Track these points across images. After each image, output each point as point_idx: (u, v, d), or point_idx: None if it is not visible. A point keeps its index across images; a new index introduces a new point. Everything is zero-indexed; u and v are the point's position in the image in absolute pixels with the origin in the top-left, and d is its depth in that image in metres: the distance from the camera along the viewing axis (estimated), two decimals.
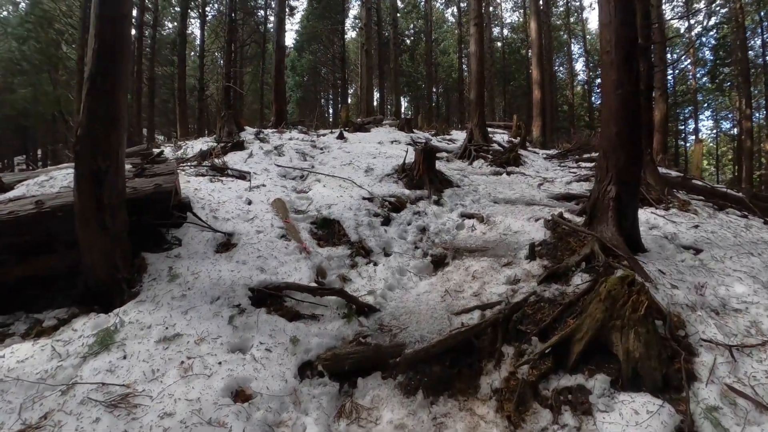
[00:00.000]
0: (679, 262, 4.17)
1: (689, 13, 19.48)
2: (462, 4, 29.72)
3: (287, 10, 22.71)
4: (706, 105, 29.88)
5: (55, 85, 21.21)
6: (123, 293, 3.63)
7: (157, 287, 3.67)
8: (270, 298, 3.74)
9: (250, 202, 5.33)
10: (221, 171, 6.68)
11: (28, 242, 3.68)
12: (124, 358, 2.92)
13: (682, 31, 26.24)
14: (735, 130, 28.33)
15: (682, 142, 32.33)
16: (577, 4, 33.09)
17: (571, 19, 33.50)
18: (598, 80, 34.85)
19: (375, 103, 28.87)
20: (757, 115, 25.22)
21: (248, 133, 9.83)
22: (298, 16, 31.90)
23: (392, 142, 10.36)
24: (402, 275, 4.67)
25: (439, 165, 8.42)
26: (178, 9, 23.46)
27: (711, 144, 32.52)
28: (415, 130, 14.02)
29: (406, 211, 5.91)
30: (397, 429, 2.68)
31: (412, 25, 34.88)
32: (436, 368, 3.07)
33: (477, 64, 11.40)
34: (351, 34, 33.53)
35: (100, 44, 3.60)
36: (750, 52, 24.38)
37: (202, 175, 6.47)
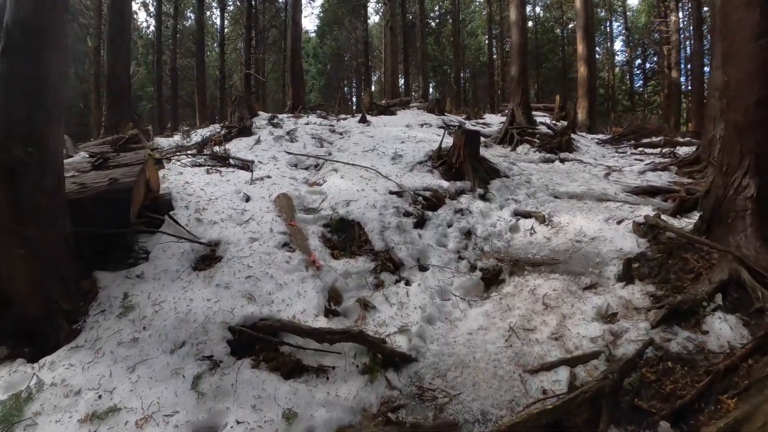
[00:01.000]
0: None
1: None
2: None
3: None
4: None
5: (81, 80, 20.94)
6: (59, 331, 2.60)
7: (102, 325, 2.62)
8: (258, 341, 2.62)
9: (248, 199, 4.22)
10: (222, 160, 5.62)
11: None
12: None
13: None
14: None
15: None
16: None
17: None
18: (638, 61, 31.94)
19: (400, 87, 27.41)
20: None
21: (261, 119, 8.75)
22: (319, 0, 30.60)
23: (422, 125, 9.03)
24: (444, 299, 3.46)
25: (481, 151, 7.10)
26: None
27: None
28: (446, 113, 12.61)
29: (444, 208, 4.65)
30: None
31: (437, 6, 32.89)
32: None
33: (519, 35, 9.82)
34: (374, 18, 31.93)
35: None
36: None
37: (200, 165, 5.42)
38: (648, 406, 2.21)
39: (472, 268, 3.97)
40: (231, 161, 5.56)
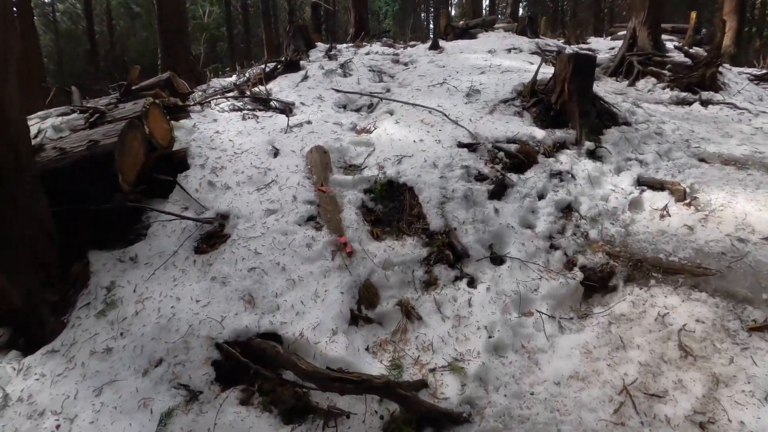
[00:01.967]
0: None
1: None
2: None
3: None
4: None
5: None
6: (45, 325, 2.12)
7: (82, 324, 2.08)
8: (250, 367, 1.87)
9: (276, 153, 3.34)
10: (264, 103, 4.73)
11: None
12: None
13: None
14: None
15: None
16: None
17: None
18: None
19: (484, 7, 23.69)
20: None
21: (318, 50, 7.61)
22: None
23: (510, 50, 7.19)
24: (524, 313, 2.42)
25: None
26: None
27: None
28: (540, 36, 10.25)
29: (535, 169, 3.37)
30: None
31: None
32: None
33: None
34: None
35: None
36: None
37: (239, 109, 4.59)
38: None
39: (570, 263, 2.80)
40: (274, 103, 4.65)
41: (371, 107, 4.53)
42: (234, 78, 7.52)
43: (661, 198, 3.30)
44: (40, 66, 9.40)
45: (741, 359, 2.05)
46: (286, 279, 2.23)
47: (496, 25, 10.69)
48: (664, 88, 5.99)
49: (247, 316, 2.01)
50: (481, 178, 3.15)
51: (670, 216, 3.15)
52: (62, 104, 4.08)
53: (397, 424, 1.74)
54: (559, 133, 3.72)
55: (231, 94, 4.98)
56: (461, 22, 10.08)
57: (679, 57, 6.67)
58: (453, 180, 3.05)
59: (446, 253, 2.66)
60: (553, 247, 2.90)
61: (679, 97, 5.64)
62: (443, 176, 3.06)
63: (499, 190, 3.13)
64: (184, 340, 1.91)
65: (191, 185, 2.82)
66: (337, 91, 4.85)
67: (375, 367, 1.97)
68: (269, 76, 5.57)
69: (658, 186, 3.40)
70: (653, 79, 6.34)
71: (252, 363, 1.83)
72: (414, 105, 4.11)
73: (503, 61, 6.08)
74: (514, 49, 7.24)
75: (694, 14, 11.21)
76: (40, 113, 3.37)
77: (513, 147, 3.44)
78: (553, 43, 8.99)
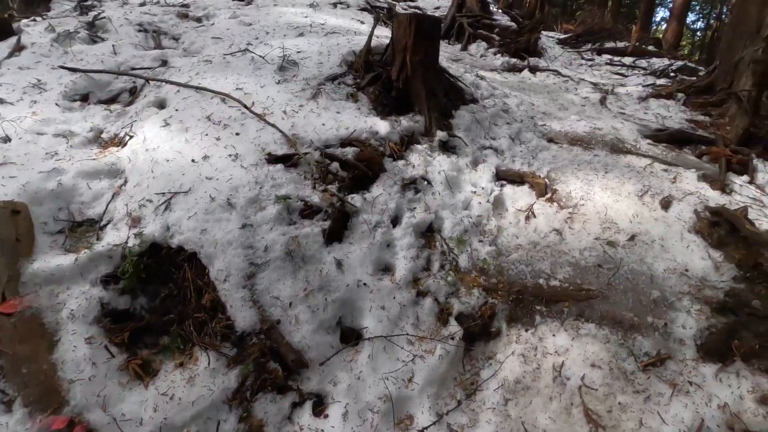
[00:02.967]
0: None
1: None
2: None
3: None
4: None
5: None
6: None
7: None
8: None
9: None
10: None
11: None
12: None
13: None
14: None
15: None
16: None
17: None
18: None
19: None
20: None
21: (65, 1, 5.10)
22: None
23: (335, 4, 6.03)
24: (399, 427, 1.56)
25: None
26: None
27: None
28: None
29: (384, 181, 2.45)
30: None
31: None
32: None
33: None
34: None
35: None
36: None
37: None
38: None
39: (444, 314, 2.07)
40: None
41: (133, 95, 2.89)
42: None
43: (523, 194, 2.84)
44: None
45: (648, 417, 1.63)
46: None
47: None
48: (495, 54, 5.81)
49: None
50: (309, 212, 2.08)
51: (535, 217, 2.70)
52: None
53: None
54: (405, 122, 2.86)
55: None
56: None
57: (505, 20, 6.60)
58: (264, 227, 1.89)
59: (270, 368, 1.58)
60: (421, 295, 2.11)
61: (510, 63, 5.51)
62: (247, 223, 1.88)
63: (339, 227, 2.13)
64: None
65: None
66: (72, 70, 2.97)
67: None
68: None
69: (517, 179, 2.93)
70: (484, 44, 6.13)
71: None
72: (198, 89, 2.67)
73: (328, 18, 4.92)
74: (340, 3, 6.11)
75: None
76: None
77: (351, 152, 2.43)
78: None
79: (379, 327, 1.87)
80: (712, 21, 25.76)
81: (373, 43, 3.27)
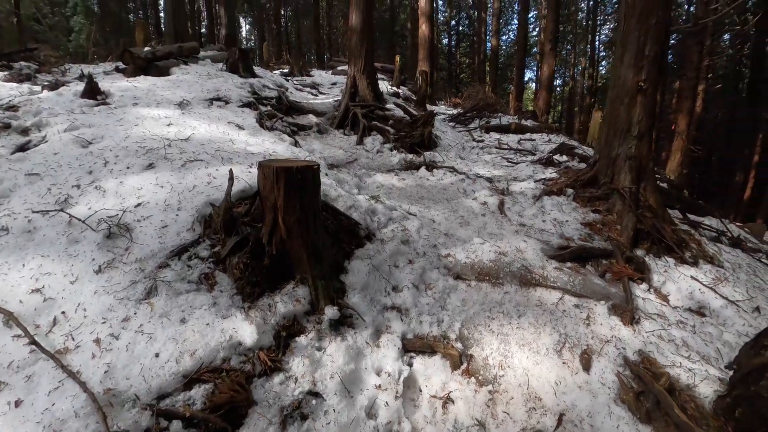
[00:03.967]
0: None
1: None
2: None
3: None
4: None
5: None
6: None
7: None
8: None
9: None
10: None
11: None
12: None
13: None
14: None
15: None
16: None
17: None
18: (452, 22, 32.78)
19: (201, 26, 20.81)
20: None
21: None
22: None
23: (212, 100, 5.35)
24: None
25: (309, 144, 4.28)
26: None
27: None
28: (262, 70, 8.84)
29: (253, 421, 1.71)
30: None
31: None
32: None
33: None
34: None
35: None
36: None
37: None
38: None
39: None
40: None
41: None
42: None
43: (436, 369, 2.34)
44: None
45: None
46: None
47: (202, 54, 8.66)
48: (391, 150, 5.62)
49: None
50: None
51: (454, 403, 2.19)
52: None
53: None
54: (283, 306, 2.19)
55: None
56: (150, 47, 7.49)
57: (398, 112, 6.57)
58: None
59: None
60: None
61: (407, 160, 5.33)
62: None
63: None
64: None
65: None
66: None
67: None
68: None
69: (427, 350, 2.43)
70: (379, 137, 5.95)
71: None
72: None
73: (198, 124, 4.21)
74: (218, 99, 5.46)
75: (398, 57, 12.55)
76: None
77: (200, 396, 1.65)
78: (273, 83, 7.75)
79: None
80: (567, 78, 31.10)
81: (247, 177, 2.63)
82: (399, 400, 2.10)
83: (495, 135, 8.12)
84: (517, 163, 5.79)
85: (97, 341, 1.69)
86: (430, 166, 5.17)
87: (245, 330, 1.93)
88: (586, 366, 2.41)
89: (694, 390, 2.24)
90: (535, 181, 4.86)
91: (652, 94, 4.21)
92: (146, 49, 7.22)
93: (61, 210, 2.35)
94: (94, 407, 1.45)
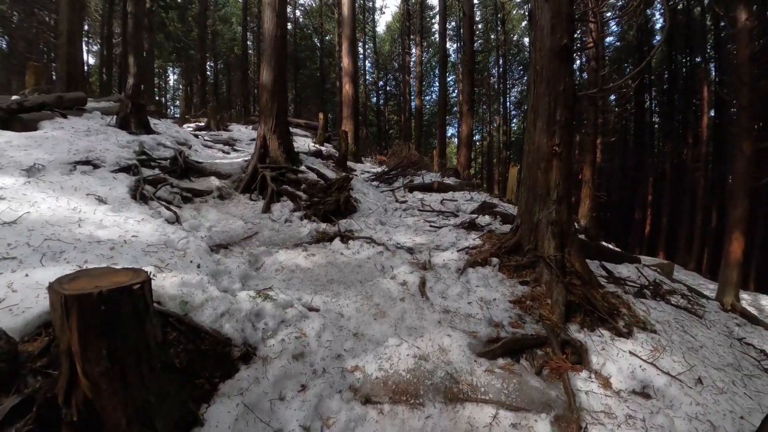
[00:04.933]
0: None
1: None
2: None
3: None
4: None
5: None
6: None
7: None
8: None
9: None
10: None
11: None
12: None
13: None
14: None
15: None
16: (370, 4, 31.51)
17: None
18: (380, 82, 34.77)
19: (103, 72, 19.28)
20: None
21: None
22: None
23: (76, 164, 4.32)
24: None
25: (202, 215, 3.50)
26: None
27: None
28: (166, 125, 7.90)
29: None
30: None
31: None
32: None
33: (275, 25, 6.38)
34: None
35: None
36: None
37: None
38: None
39: None
40: None
41: None
42: None
43: None
44: None
45: None
46: None
47: (92, 105, 7.56)
48: (302, 219, 4.97)
49: None
50: None
51: None
52: None
53: None
54: None
55: None
56: (15, 97, 6.26)
57: (312, 176, 6.02)
58: None
59: None
60: None
61: (319, 231, 4.70)
62: None
63: None
64: None
65: None
66: None
67: None
68: None
69: None
70: (290, 203, 5.29)
71: None
72: None
73: (44, 198, 3.23)
74: (87, 163, 4.47)
75: (321, 115, 12.33)
76: None
77: None
78: (173, 140, 6.86)
79: None
80: (485, 134, 33.71)
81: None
82: None
83: (418, 194, 7.90)
84: (440, 227, 5.44)
85: None
86: (346, 237, 4.58)
87: None
88: None
89: None
90: (458, 251, 4.46)
91: (566, 157, 4.13)
92: (13, 98, 6.03)
93: None
94: None
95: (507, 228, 5.37)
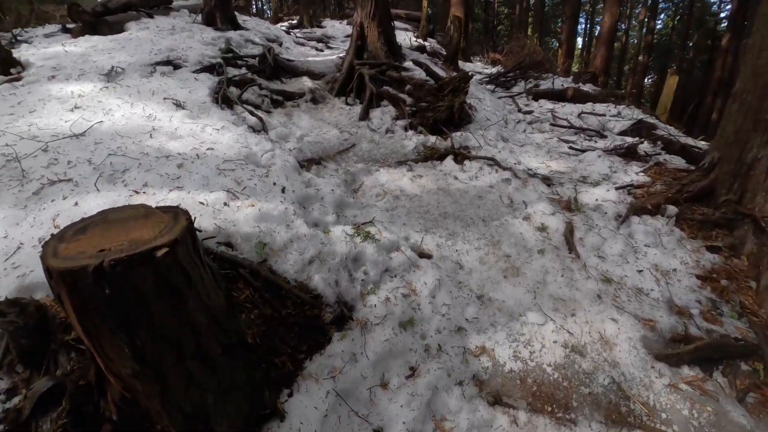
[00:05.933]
0: None
1: None
2: None
3: None
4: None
5: None
6: None
7: None
8: None
9: None
10: None
11: None
12: None
13: None
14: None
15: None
16: None
17: None
18: None
19: None
20: None
21: None
22: None
23: (156, 65, 3.90)
24: None
25: (291, 123, 2.97)
26: None
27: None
28: (255, 21, 7.24)
29: None
30: None
31: None
32: None
33: None
34: None
35: None
36: None
37: None
38: None
39: None
40: None
41: None
42: None
43: None
44: None
45: None
46: None
47: (179, 3, 7.10)
48: (406, 129, 4.07)
49: None
50: None
51: None
52: None
53: None
54: None
55: None
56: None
57: (419, 74, 4.89)
58: None
59: None
60: None
61: (427, 146, 3.80)
62: None
63: None
64: None
65: None
66: None
67: None
68: None
69: None
70: (392, 109, 4.38)
71: None
72: None
73: (119, 105, 2.87)
74: (168, 63, 4.02)
75: (425, 4, 10.43)
76: None
77: None
78: (262, 36, 6.17)
79: None
80: (620, 33, 26.96)
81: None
82: None
83: (546, 103, 6.30)
84: (583, 151, 4.11)
85: None
86: (460, 156, 3.63)
87: None
88: None
89: None
90: (616, 188, 3.23)
91: None
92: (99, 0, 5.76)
93: None
94: None
95: (677, 161, 3.84)
